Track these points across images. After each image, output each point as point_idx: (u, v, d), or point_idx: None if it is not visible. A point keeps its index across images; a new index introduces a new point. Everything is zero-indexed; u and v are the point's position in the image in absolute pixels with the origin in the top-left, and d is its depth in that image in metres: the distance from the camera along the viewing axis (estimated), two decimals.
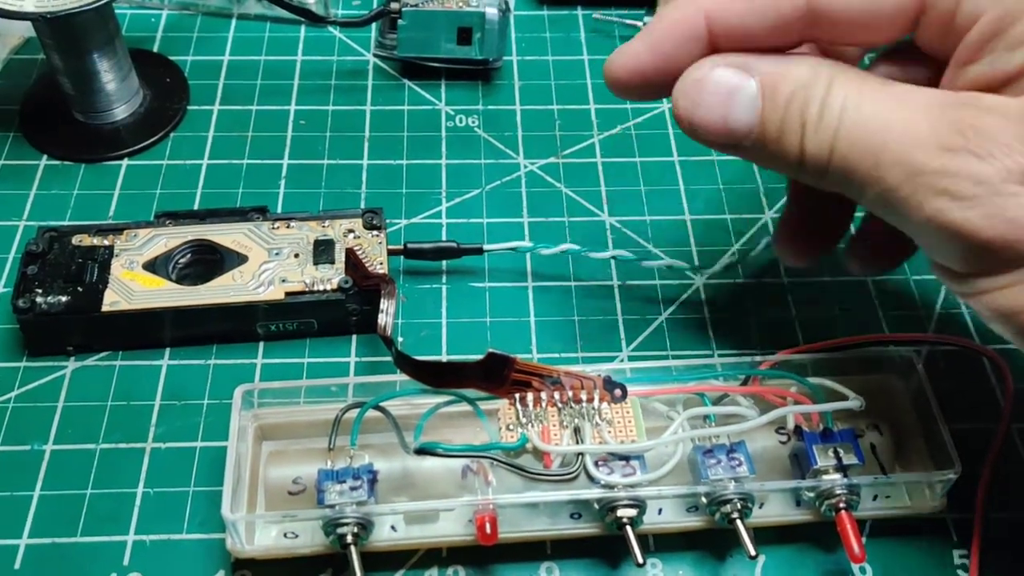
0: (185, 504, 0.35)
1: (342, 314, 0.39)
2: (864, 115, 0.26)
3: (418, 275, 0.42)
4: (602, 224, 0.45)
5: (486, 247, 0.42)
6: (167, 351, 0.40)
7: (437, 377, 0.34)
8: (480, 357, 0.34)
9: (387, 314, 0.37)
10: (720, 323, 0.41)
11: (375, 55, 0.52)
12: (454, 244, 0.42)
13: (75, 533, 0.35)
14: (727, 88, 0.28)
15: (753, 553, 0.32)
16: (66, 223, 0.42)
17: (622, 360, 0.40)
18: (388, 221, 0.44)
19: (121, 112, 0.48)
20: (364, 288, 0.38)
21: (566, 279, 0.43)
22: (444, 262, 0.43)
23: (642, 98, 0.34)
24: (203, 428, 0.37)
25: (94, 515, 0.35)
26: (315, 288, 0.39)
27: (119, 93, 0.47)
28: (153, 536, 0.35)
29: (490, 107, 0.51)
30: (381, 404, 0.34)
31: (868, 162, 0.26)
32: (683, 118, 0.29)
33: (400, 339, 0.41)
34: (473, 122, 0.50)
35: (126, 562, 0.34)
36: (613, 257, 0.42)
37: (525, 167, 0.48)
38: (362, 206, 0.45)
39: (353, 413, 0.34)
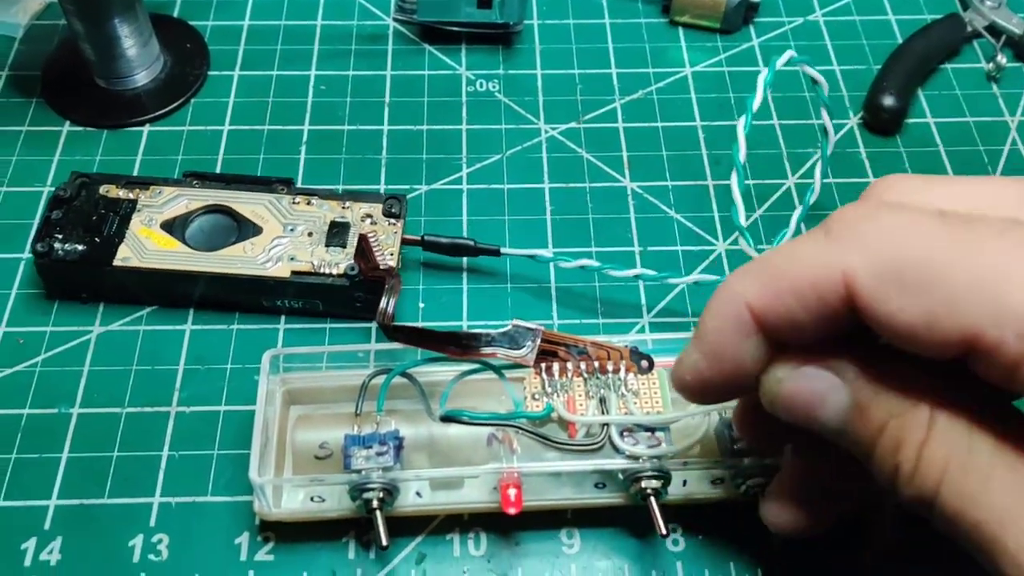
0: (210, 467, 0.36)
1: (347, 300, 0.39)
2: (972, 487, 0.23)
3: (438, 267, 0.42)
4: (623, 190, 0.45)
5: (504, 250, 0.40)
6: (190, 316, 0.40)
7: (461, 346, 0.34)
8: (505, 326, 0.34)
9: (388, 307, 0.36)
10: None
11: (395, 19, 0.52)
12: (471, 242, 0.41)
13: (102, 495, 0.35)
14: (814, 394, 0.25)
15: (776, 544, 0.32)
16: (97, 172, 0.43)
17: (643, 327, 0.40)
18: (409, 187, 0.44)
19: (142, 78, 0.48)
20: (369, 279, 0.38)
21: (587, 246, 0.43)
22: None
23: (717, 401, 0.29)
24: (227, 392, 0.38)
25: (121, 477, 0.36)
26: (321, 271, 0.38)
27: (140, 59, 0.47)
28: (179, 498, 0.35)
29: (511, 71, 0.50)
30: (408, 371, 0.34)
31: (988, 531, 0.22)
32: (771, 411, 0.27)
33: (421, 304, 0.41)
34: (494, 87, 0.49)
35: (152, 523, 0.35)
36: (637, 277, 0.40)
37: (546, 132, 0.47)
38: (383, 172, 0.45)
39: (380, 379, 0.34)
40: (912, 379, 0.24)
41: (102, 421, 0.37)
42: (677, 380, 0.28)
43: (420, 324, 0.39)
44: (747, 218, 0.44)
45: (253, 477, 0.32)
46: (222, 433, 0.37)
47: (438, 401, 0.34)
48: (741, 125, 0.36)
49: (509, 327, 0.34)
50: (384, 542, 0.32)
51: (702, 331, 0.27)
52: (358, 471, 0.32)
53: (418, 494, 0.34)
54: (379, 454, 0.32)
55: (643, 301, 0.41)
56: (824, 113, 0.39)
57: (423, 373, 0.35)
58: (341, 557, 0.34)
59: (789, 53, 0.37)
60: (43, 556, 0.34)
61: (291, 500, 0.34)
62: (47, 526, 0.34)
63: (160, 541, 0.34)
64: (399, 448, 0.33)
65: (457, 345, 0.34)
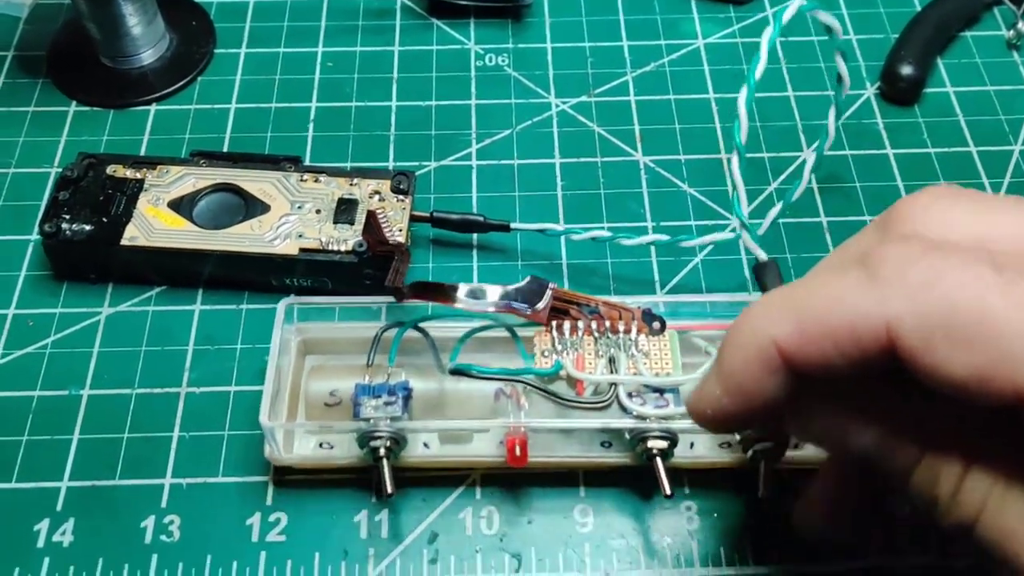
0: (221, 448, 0.36)
1: (355, 276, 0.39)
2: (1011, 523, 0.22)
3: (447, 244, 0.42)
4: (635, 164, 0.44)
5: (514, 225, 0.40)
6: (199, 296, 0.40)
7: (474, 299, 0.34)
8: (520, 283, 0.34)
9: (397, 275, 0.36)
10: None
11: None
12: (481, 218, 0.40)
13: (114, 476, 0.35)
14: (841, 432, 0.25)
15: (762, 492, 0.32)
16: (104, 152, 0.42)
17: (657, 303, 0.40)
18: (418, 163, 0.44)
19: (148, 56, 0.47)
20: (378, 254, 0.38)
21: (599, 221, 0.42)
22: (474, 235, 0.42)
23: (736, 431, 0.30)
24: (237, 372, 0.38)
25: (131, 458, 0.36)
26: (329, 248, 0.38)
27: (145, 37, 0.47)
28: (189, 479, 0.35)
29: (520, 45, 0.49)
30: (420, 325, 0.35)
31: None
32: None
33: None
34: (503, 61, 0.49)
35: (164, 504, 0.34)
36: (651, 243, 0.39)
37: (557, 106, 0.47)
38: (391, 149, 0.45)
39: (393, 332, 0.34)
40: (947, 414, 0.23)
41: (112, 402, 0.37)
42: (697, 414, 0.27)
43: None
44: (760, 194, 0.43)
45: (263, 421, 0.32)
46: (232, 413, 0.37)
47: (449, 355, 0.34)
48: (742, 99, 0.32)
49: (522, 283, 0.35)
50: (389, 490, 0.32)
51: (725, 367, 0.25)
52: (367, 419, 0.32)
53: (425, 445, 0.34)
54: (388, 404, 0.33)
55: (656, 277, 0.40)
56: (838, 59, 0.37)
57: (435, 328, 0.35)
58: (353, 537, 0.34)
59: (797, 2, 0.33)
60: (56, 537, 0.34)
61: (303, 447, 0.34)
62: (59, 507, 0.34)
63: (172, 522, 0.34)
64: (408, 399, 0.33)
65: (468, 298, 0.34)
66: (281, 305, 0.35)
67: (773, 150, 0.45)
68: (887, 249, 0.23)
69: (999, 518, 0.22)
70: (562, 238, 0.41)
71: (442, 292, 0.35)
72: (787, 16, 0.33)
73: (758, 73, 0.33)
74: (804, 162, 0.44)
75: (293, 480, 0.35)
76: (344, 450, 0.34)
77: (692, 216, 0.42)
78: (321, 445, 0.34)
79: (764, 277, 0.31)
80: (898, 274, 0.22)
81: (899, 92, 0.47)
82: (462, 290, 0.35)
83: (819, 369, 0.23)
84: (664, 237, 0.39)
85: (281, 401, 0.34)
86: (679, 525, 0.34)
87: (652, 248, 0.41)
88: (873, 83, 0.48)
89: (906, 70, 0.46)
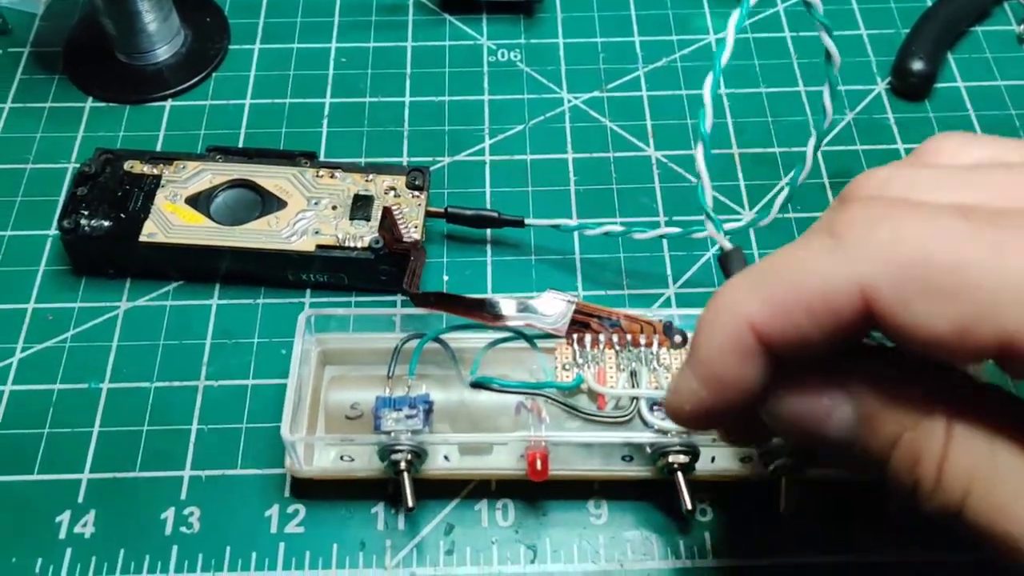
0: (239, 440, 0.36)
1: (372, 273, 0.39)
2: (1000, 499, 0.21)
3: (461, 240, 0.42)
4: (648, 159, 0.45)
5: (528, 221, 0.40)
6: (216, 290, 0.40)
7: (492, 313, 0.34)
8: (539, 295, 0.34)
9: (414, 275, 0.36)
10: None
11: None
12: (495, 214, 0.41)
13: (134, 468, 0.36)
14: (818, 410, 0.23)
15: (784, 508, 0.32)
16: (120, 148, 0.43)
17: (669, 298, 0.40)
18: (431, 159, 0.44)
19: (163, 53, 0.48)
20: (394, 251, 0.38)
21: (611, 216, 0.42)
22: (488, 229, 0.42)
23: (716, 427, 0.28)
24: (254, 366, 0.38)
25: (151, 451, 0.36)
26: (346, 244, 0.38)
27: (160, 33, 0.47)
28: (209, 471, 0.35)
29: (532, 41, 0.50)
30: (440, 336, 0.35)
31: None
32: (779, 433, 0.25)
33: (445, 277, 0.41)
34: (515, 56, 0.49)
35: (183, 496, 0.35)
36: (662, 236, 0.39)
37: (569, 102, 0.47)
38: (405, 144, 0.45)
39: (413, 343, 0.34)
40: (924, 386, 0.22)
41: (132, 396, 0.37)
42: (674, 411, 0.25)
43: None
44: (768, 191, 0.43)
45: (285, 434, 0.32)
46: (250, 406, 0.37)
47: (469, 368, 0.34)
48: (708, 87, 0.30)
49: (543, 296, 0.34)
50: (411, 503, 0.32)
51: (699, 356, 0.24)
52: (387, 432, 0.33)
53: (446, 458, 0.34)
54: (409, 417, 0.33)
55: (668, 272, 0.41)
56: (823, 35, 0.34)
57: (455, 339, 0.35)
58: (370, 528, 0.34)
59: None
60: (77, 528, 0.34)
61: (323, 459, 0.34)
62: (80, 499, 0.35)
63: (191, 514, 0.35)
64: (428, 412, 0.33)
65: (488, 312, 0.34)
66: (302, 317, 0.35)
67: (784, 144, 0.45)
68: (850, 211, 0.22)
69: (987, 494, 0.21)
70: (575, 233, 0.41)
71: (462, 304, 0.35)
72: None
73: (724, 59, 0.31)
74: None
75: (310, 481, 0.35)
76: (364, 462, 0.34)
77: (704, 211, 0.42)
78: (342, 458, 0.34)
79: (730, 265, 0.29)
80: (865, 233, 0.21)
81: (910, 87, 0.47)
82: (482, 303, 0.35)
83: (796, 345, 0.22)
84: (676, 230, 0.39)
85: (301, 412, 0.34)
86: (693, 524, 0.34)
87: (664, 243, 0.41)
88: (884, 78, 0.48)
89: (917, 65, 0.46)
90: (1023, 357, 0.20)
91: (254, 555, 0.34)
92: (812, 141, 0.38)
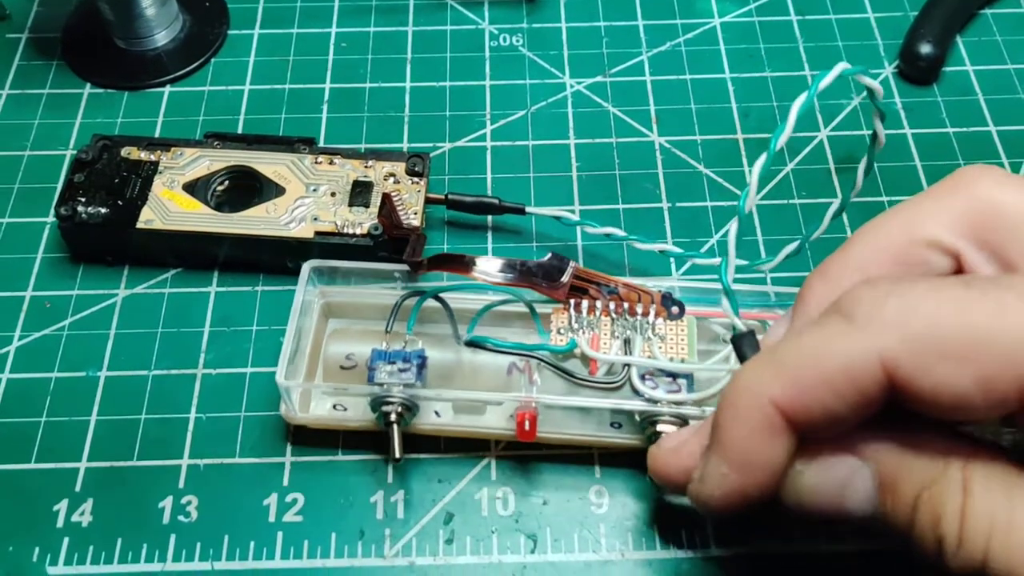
0: (237, 429, 0.36)
1: (370, 259, 0.38)
2: (1022, 547, 0.22)
3: (462, 226, 0.42)
4: (651, 145, 0.44)
5: (529, 209, 0.40)
6: (215, 278, 0.40)
7: (491, 271, 0.35)
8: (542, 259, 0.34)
9: (414, 251, 0.36)
10: (772, 245, 0.40)
11: None
12: (496, 200, 0.40)
13: (131, 457, 0.35)
14: (837, 482, 0.24)
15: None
16: (118, 135, 0.42)
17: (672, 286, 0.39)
18: (432, 145, 0.44)
19: (162, 38, 0.47)
20: (393, 238, 0.38)
21: (614, 203, 0.42)
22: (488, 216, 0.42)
23: (745, 510, 0.26)
24: (253, 354, 0.38)
25: (149, 439, 0.36)
26: (345, 231, 0.38)
27: (159, 18, 0.47)
28: (207, 460, 0.35)
29: (535, 25, 0.49)
30: (440, 295, 0.35)
31: None
32: (793, 512, 0.25)
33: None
34: (517, 41, 0.48)
35: (181, 485, 0.35)
36: (662, 251, 0.38)
37: (571, 87, 0.46)
38: (405, 130, 0.44)
39: (413, 301, 0.35)
40: (937, 444, 0.23)
41: (129, 384, 0.37)
42: (705, 499, 0.26)
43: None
44: (776, 175, 0.43)
45: (280, 380, 0.33)
46: (249, 394, 0.37)
47: (466, 327, 0.34)
48: (757, 168, 0.28)
49: (545, 259, 0.35)
50: (397, 455, 0.33)
51: (725, 439, 0.25)
52: (380, 384, 0.33)
53: (437, 414, 0.34)
54: (402, 370, 0.33)
55: (672, 261, 0.40)
56: (876, 121, 0.34)
57: (455, 299, 0.35)
58: (369, 517, 0.34)
59: (840, 67, 0.30)
60: (75, 517, 0.34)
61: (319, 407, 0.35)
62: (78, 488, 0.35)
63: (189, 503, 0.34)
64: (422, 367, 0.33)
65: (487, 270, 0.35)
66: (306, 266, 0.35)
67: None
68: (856, 293, 0.24)
69: (1008, 541, 0.22)
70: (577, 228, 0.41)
71: (462, 263, 0.35)
72: (824, 83, 0.30)
73: (781, 142, 0.29)
74: (822, 142, 0.44)
75: (310, 460, 0.35)
76: (358, 413, 0.34)
77: (708, 197, 0.42)
78: (335, 407, 0.35)
79: (744, 348, 0.28)
80: (877, 311, 0.23)
81: (918, 71, 0.46)
82: (481, 261, 0.35)
83: (822, 421, 0.23)
84: (677, 250, 0.38)
85: (301, 361, 0.35)
86: (699, 519, 0.34)
87: (668, 234, 0.41)
88: (892, 62, 0.47)
89: (925, 49, 0.46)
90: None
91: (252, 544, 0.33)
92: (832, 209, 0.37)
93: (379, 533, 0.34)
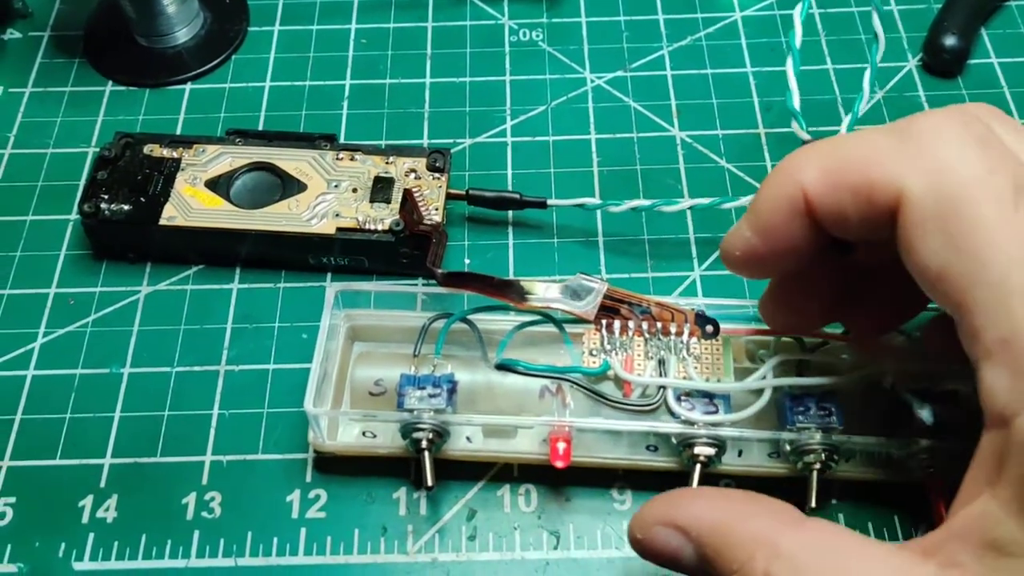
0: (260, 425, 0.36)
1: (392, 255, 0.39)
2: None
3: (483, 222, 0.42)
4: (672, 139, 0.44)
5: (551, 202, 0.40)
6: (237, 274, 0.40)
7: (520, 295, 0.34)
8: (568, 279, 0.34)
9: (436, 256, 0.36)
10: None
11: None
12: (517, 195, 0.40)
13: (155, 453, 0.35)
14: (669, 549, 0.26)
15: (813, 505, 0.31)
16: (140, 132, 0.42)
17: (694, 281, 0.39)
18: (452, 141, 0.44)
19: (183, 35, 0.48)
20: (415, 234, 0.37)
21: (635, 198, 0.42)
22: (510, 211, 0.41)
23: (762, 276, 0.30)
24: (275, 350, 0.38)
25: (172, 436, 0.36)
26: (366, 227, 0.38)
27: (180, 16, 0.47)
28: (230, 456, 0.35)
29: (555, 20, 0.49)
30: (468, 317, 0.34)
31: None
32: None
33: (467, 259, 0.40)
34: (537, 36, 0.48)
35: (205, 481, 0.35)
36: (690, 208, 0.39)
37: (592, 82, 0.46)
38: (425, 126, 0.44)
39: (440, 323, 0.34)
40: (751, 528, 0.25)
41: (153, 380, 0.37)
42: (727, 254, 0.28)
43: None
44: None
45: (308, 407, 0.32)
46: (272, 391, 0.37)
47: (495, 349, 0.34)
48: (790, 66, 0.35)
49: (572, 280, 0.34)
50: (430, 483, 0.32)
51: (756, 208, 0.27)
52: (410, 410, 0.32)
53: (468, 439, 0.34)
54: (432, 396, 0.32)
55: (694, 253, 0.40)
56: (875, 18, 0.38)
57: (483, 321, 0.35)
58: (392, 514, 0.34)
59: None
60: (100, 513, 0.34)
61: (346, 435, 0.34)
62: (103, 484, 0.35)
63: (213, 499, 0.34)
64: (452, 392, 0.33)
65: (515, 293, 0.34)
66: (330, 291, 0.35)
67: (811, 124, 0.44)
68: (929, 117, 0.25)
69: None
70: (598, 212, 0.41)
71: (489, 284, 0.34)
72: None
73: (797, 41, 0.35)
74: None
75: (333, 457, 0.35)
76: (387, 440, 0.34)
77: (730, 191, 0.42)
78: (364, 434, 0.34)
79: None
80: (927, 147, 0.24)
81: (942, 64, 0.46)
82: (510, 284, 0.34)
83: (834, 218, 0.26)
84: (704, 201, 0.39)
85: (327, 387, 0.34)
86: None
87: (690, 225, 0.41)
88: (915, 55, 0.47)
89: (949, 41, 0.45)
90: None
91: (275, 540, 0.33)
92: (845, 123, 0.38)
93: (402, 529, 0.34)
